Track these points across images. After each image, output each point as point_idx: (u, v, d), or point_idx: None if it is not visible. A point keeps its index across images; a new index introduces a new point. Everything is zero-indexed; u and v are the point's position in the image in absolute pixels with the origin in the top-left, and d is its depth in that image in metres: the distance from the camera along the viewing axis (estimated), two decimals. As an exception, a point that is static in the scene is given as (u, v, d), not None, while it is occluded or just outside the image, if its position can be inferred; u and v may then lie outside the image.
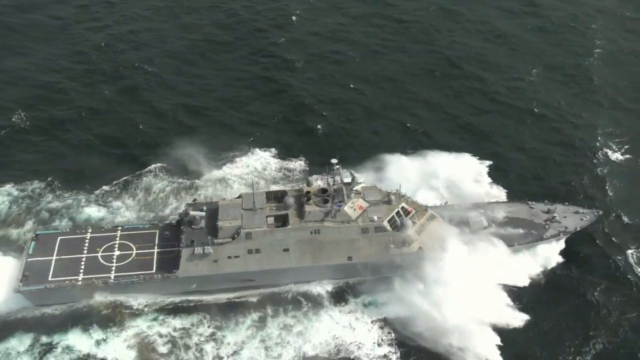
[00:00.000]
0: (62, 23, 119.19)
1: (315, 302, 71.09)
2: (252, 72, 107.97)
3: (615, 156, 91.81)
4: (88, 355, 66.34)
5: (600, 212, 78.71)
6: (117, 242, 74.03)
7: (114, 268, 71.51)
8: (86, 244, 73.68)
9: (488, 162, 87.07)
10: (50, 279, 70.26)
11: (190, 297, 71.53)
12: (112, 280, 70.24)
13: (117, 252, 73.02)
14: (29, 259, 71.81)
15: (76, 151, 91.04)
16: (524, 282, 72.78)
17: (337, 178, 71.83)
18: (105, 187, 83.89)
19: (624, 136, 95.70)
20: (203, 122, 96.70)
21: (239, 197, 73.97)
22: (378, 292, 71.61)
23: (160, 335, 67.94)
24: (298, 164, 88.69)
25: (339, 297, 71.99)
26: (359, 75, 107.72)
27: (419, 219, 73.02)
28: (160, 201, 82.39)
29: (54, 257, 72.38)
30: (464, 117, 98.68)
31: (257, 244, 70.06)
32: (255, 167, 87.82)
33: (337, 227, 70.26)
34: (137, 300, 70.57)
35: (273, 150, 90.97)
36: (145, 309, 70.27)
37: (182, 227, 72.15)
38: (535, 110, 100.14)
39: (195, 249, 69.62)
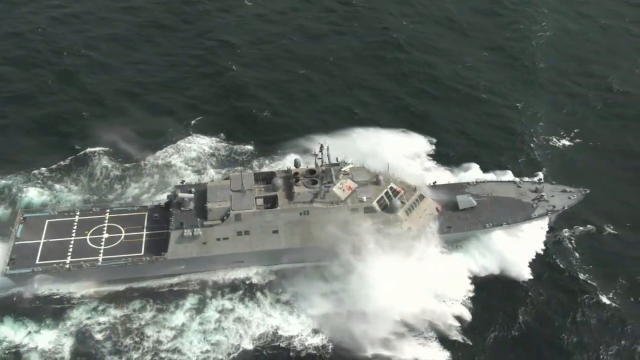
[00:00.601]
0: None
1: (250, 287, 71.11)
2: (197, 56, 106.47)
3: (555, 140, 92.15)
4: (19, 345, 65.65)
5: (587, 191, 79.07)
6: (106, 224, 73.65)
7: (102, 251, 71.24)
8: (74, 227, 73.28)
9: (430, 142, 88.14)
10: (37, 262, 69.96)
11: (135, 286, 71.04)
12: (100, 263, 70.02)
13: (105, 235, 72.68)
14: (16, 242, 71.38)
15: (15, 134, 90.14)
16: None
17: (325, 159, 71.67)
18: (44, 170, 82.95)
19: (564, 121, 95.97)
20: (145, 106, 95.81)
21: (226, 178, 73.71)
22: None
23: (99, 324, 67.32)
24: (246, 149, 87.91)
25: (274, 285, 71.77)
26: (305, 60, 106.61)
27: (408, 199, 73.11)
28: (104, 187, 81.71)
29: (42, 240, 72.00)
30: (409, 100, 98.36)
31: (247, 226, 69.96)
32: (203, 151, 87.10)
33: (326, 208, 70.27)
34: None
35: (219, 135, 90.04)
36: (86, 300, 69.65)
37: (171, 209, 71.89)
38: (480, 94, 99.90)
39: (185, 231, 69.38)
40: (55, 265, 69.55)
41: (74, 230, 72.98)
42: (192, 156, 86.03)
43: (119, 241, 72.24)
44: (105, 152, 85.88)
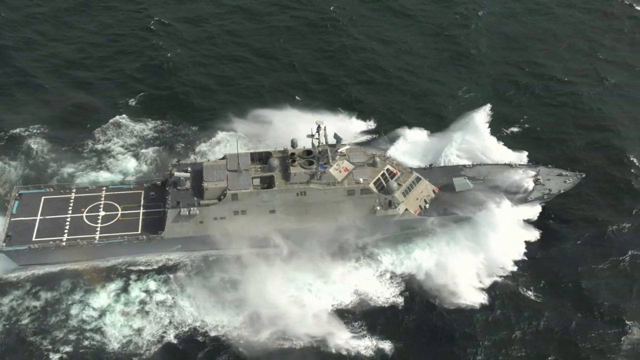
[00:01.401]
0: None
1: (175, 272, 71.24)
2: (133, 35, 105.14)
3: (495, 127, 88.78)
4: None
5: (583, 175, 79.26)
6: (102, 202, 73.74)
7: (98, 229, 71.31)
8: (71, 204, 73.29)
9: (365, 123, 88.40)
10: (34, 239, 70.03)
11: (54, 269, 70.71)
12: (97, 241, 70.17)
13: (102, 213, 72.77)
14: (12, 219, 71.43)
15: None
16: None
17: (322, 140, 71.60)
18: None
19: (506, 107, 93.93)
20: (79, 85, 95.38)
21: (223, 158, 73.63)
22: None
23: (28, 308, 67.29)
24: (183, 131, 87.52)
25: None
26: (245, 40, 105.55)
27: (405, 181, 73.26)
28: (42, 164, 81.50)
29: (38, 217, 72.02)
30: (342, 83, 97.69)
31: (243, 206, 70.07)
32: (139, 133, 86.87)
33: (322, 189, 70.38)
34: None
35: (155, 116, 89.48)
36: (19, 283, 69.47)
37: (167, 188, 71.95)
38: (419, 80, 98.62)
39: (181, 210, 69.52)
40: (51, 242, 69.61)
41: (70, 208, 73.00)
42: (130, 139, 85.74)
43: (115, 219, 72.33)
44: (40, 133, 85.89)
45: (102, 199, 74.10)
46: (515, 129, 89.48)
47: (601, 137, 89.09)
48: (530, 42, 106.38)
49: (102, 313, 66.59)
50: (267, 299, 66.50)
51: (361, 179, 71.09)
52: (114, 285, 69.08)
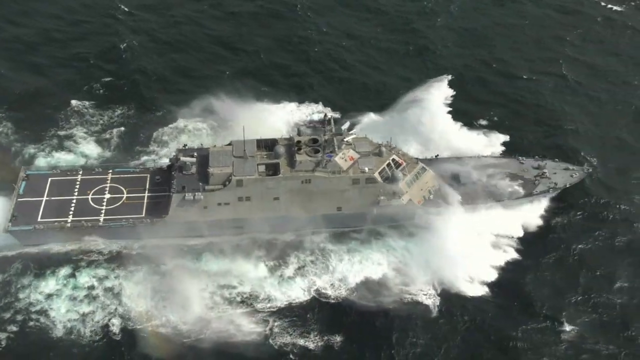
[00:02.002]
0: None
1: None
2: (84, 20, 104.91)
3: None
4: None
5: (590, 169, 79.12)
6: (108, 185, 74.03)
7: (103, 211, 71.71)
8: (77, 186, 73.69)
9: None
10: (39, 219, 70.51)
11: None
12: (101, 223, 70.56)
13: (107, 195, 73.11)
14: (19, 199, 71.90)
15: None
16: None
17: (328, 128, 71.55)
18: None
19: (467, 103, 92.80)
20: (36, 68, 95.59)
21: (229, 144, 73.69)
22: None
23: None
24: (151, 117, 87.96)
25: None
26: (203, 27, 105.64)
27: (410, 171, 73.17)
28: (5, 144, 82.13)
29: (44, 198, 72.47)
30: (304, 73, 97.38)
31: (248, 192, 70.23)
32: (101, 122, 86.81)
33: (327, 177, 70.39)
34: None
35: (112, 105, 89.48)
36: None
37: (172, 173, 72.11)
38: (376, 74, 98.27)
39: (186, 194, 69.72)
40: (56, 223, 70.07)
41: (76, 190, 73.40)
42: (90, 125, 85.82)
43: (120, 202, 72.65)
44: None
45: (108, 181, 74.38)
46: (476, 122, 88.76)
47: (557, 133, 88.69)
48: (497, 37, 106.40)
49: (49, 297, 66.69)
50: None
51: (366, 168, 71.03)
52: (64, 271, 68.99)
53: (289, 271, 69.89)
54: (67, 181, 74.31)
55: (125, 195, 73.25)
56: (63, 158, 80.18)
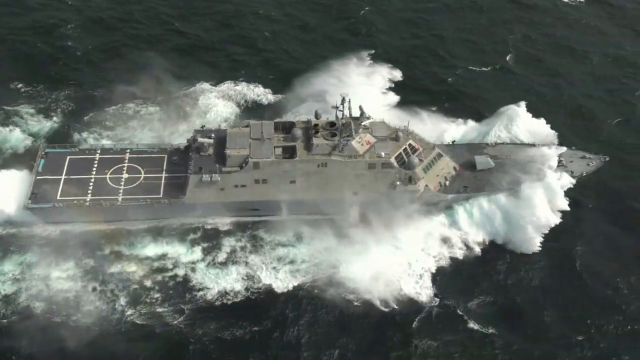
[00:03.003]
0: None
1: None
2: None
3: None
4: None
5: (607, 158, 78.78)
6: (126, 164, 74.64)
7: (121, 190, 72.34)
8: (95, 165, 74.33)
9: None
10: (58, 198, 71.25)
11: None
12: (119, 203, 71.23)
13: (125, 175, 73.69)
14: (38, 177, 72.62)
15: None
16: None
17: (346, 112, 71.62)
18: None
19: None
20: None
21: (246, 126, 73.93)
22: None
23: None
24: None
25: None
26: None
27: (426, 157, 73.28)
28: None
29: (63, 177, 73.16)
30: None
31: (264, 174, 70.62)
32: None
33: (344, 161, 70.63)
34: None
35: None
36: None
37: (190, 153, 72.56)
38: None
39: (203, 176, 70.20)
40: (75, 202, 70.79)
41: (94, 169, 74.04)
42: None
43: (138, 182, 73.23)
44: None
45: (126, 161, 75.01)
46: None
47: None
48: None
49: None
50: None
51: (383, 153, 71.20)
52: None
53: (221, 256, 70.53)
54: (85, 160, 74.98)
55: (143, 175, 73.80)
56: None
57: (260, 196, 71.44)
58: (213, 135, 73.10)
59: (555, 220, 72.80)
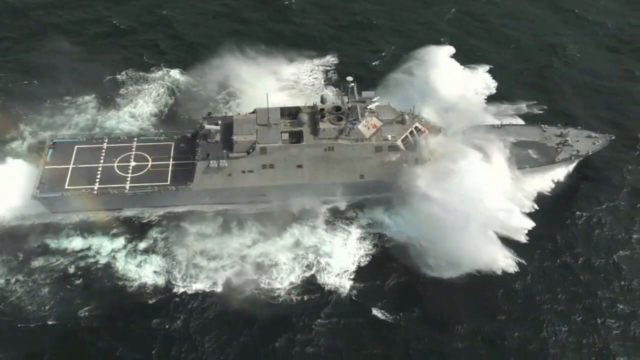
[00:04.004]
0: None
1: None
2: None
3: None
4: None
5: (613, 137, 78.84)
6: (133, 152, 74.89)
7: (129, 179, 72.62)
8: (102, 154, 74.61)
9: None
10: (66, 187, 71.57)
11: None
12: (127, 191, 71.54)
13: (132, 163, 73.96)
14: (46, 167, 72.92)
15: None
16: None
17: (352, 96, 71.70)
18: None
19: None
20: None
21: (253, 112, 74.12)
22: None
23: None
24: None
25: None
26: None
27: (432, 139, 73.36)
28: None
29: (71, 166, 73.46)
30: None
31: (272, 160, 70.85)
32: None
33: (350, 145, 70.83)
34: None
35: None
36: None
37: (197, 140, 72.80)
38: None
39: (211, 162, 70.47)
40: (83, 190, 71.11)
41: (102, 157, 74.31)
42: None
43: (145, 170, 73.51)
44: None
45: (133, 149, 75.25)
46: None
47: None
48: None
49: None
50: None
51: (389, 136, 71.36)
52: None
53: (142, 246, 70.23)
54: (93, 149, 75.28)
55: (150, 163, 74.08)
56: None
57: (268, 181, 71.61)
58: (220, 122, 73.31)
59: None
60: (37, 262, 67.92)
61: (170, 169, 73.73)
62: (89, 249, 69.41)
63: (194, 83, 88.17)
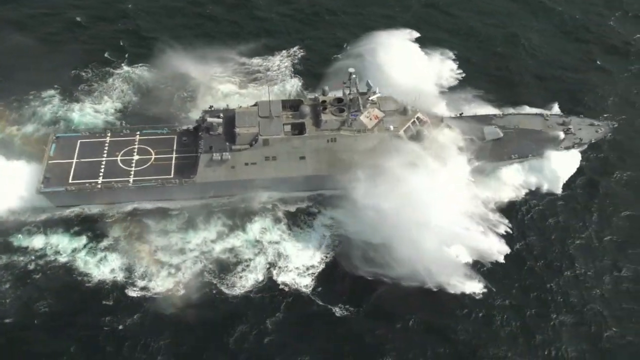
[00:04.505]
0: None
1: None
2: None
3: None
4: None
5: (615, 125, 78.92)
6: (136, 146, 75.13)
7: (132, 172, 72.91)
8: (106, 148, 74.88)
9: None
10: (70, 181, 71.91)
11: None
12: (130, 184, 71.84)
13: (136, 157, 74.22)
14: (49, 161, 73.23)
15: None
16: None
17: (353, 88, 71.79)
18: None
19: None
20: None
21: (254, 104, 74.26)
22: None
23: None
24: None
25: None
26: None
27: (434, 129, 73.44)
28: None
29: (75, 160, 73.77)
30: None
31: (274, 151, 71.02)
32: None
33: (353, 136, 70.92)
34: None
35: None
36: None
37: (200, 133, 72.99)
38: None
39: (214, 155, 70.68)
40: (87, 184, 71.44)
41: (105, 151, 74.58)
42: None
43: (149, 163, 73.78)
44: None
45: (136, 143, 75.49)
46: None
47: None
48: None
49: None
50: None
51: (391, 127, 71.45)
52: None
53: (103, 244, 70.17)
54: (96, 143, 75.51)
55: (153, 157, 74.31)
56: None
57: (271, 173, 71.82)
58: (222, 114, 73.48)
59: None
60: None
61: (173, 162, 73.98)
62: (49, 246, 69.38)
63: (157, 79, 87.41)
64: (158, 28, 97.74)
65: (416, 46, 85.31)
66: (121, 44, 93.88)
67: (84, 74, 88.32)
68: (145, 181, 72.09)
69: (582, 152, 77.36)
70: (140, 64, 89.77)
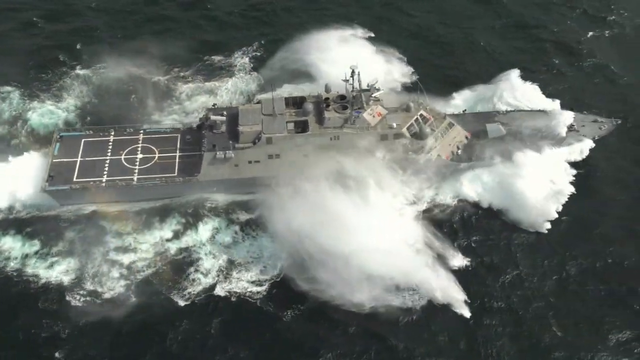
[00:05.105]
0: None
1: None
2: None
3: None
4: None
5: (619, 121, 78.78)
6: (140, 145, 75.27)
7: (136, 170, 73.11)
8: (110, 147, 75.09)
9: None
10: (75, 179, 72.13)
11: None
12: (135, 183, 72.04)
13: (140, 155, 74.40)
14: (54, 160, 73.51)
15: None
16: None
17: (356, 85, 71.83)
18: None
19: None
20: None
21: (257, 102, 74.38)
22: None
23: None
24: None
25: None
26: None
27: (438, 126, 73.50)
28: None
29: (79, 159, 74.01)
30: None
31: (278, 149, 71.11)
32: None
33: (356, 133, 70.97)
34: None
35: None
36: None
37: (203, 132, 73.12)
38: None
39: (217, 153, 70.79)
40: (91, 183, 71.67)
41: (109, 150, 74.80)
42: None
43: (153, 162, 73.97)
44: None
45: (140, 142, 75.60)
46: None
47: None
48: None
49: None
50: None
51: (394, 124, 71.48)
52: None
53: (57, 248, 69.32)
54: (99, 142, 75.69)
55: (157, 155, 74.49)
56: None
57: (274, 171, 71.91)
58: (225, 112, 73.62)
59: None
60: None
61: (177, 160, 74.11)
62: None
63: (115, 79, 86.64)
64: (116, 28, 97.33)
65: (370, 45, 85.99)
66: (77, 45, 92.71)
67: (43, 75, 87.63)
68: (149, 179, 72.29)
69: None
70: (97, 65, 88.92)
